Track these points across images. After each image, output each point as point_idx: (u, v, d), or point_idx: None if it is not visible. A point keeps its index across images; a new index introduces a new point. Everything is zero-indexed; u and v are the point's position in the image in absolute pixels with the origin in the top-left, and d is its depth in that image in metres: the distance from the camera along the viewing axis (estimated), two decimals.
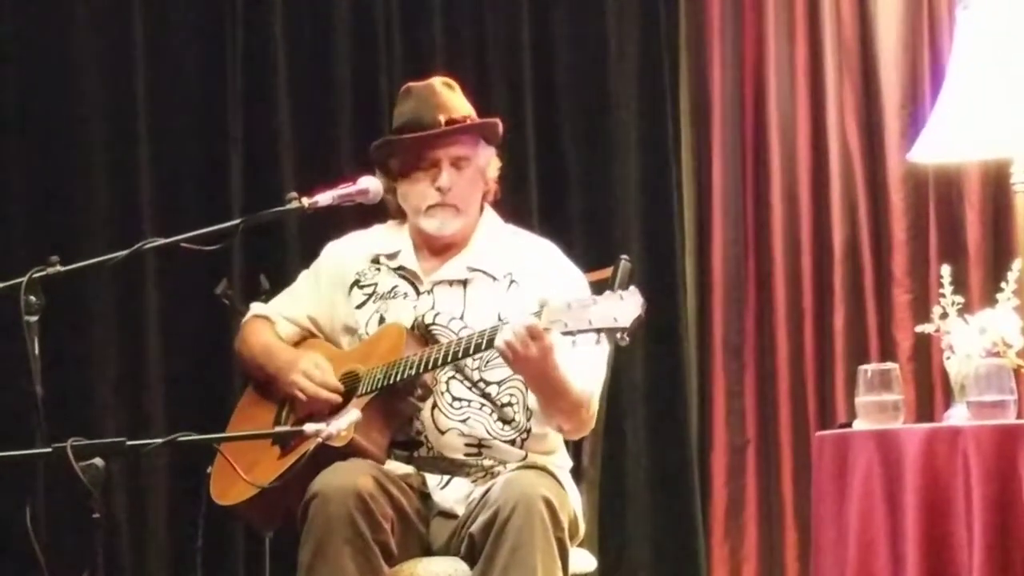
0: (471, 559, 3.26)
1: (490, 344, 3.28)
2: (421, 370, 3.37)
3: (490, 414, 3.46)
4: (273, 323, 3.68)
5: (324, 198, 3.30)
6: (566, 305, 3.16)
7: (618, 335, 3.12)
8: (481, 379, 3.47)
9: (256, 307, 3.75)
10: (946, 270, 3.96)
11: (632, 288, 3.14)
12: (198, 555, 3.81)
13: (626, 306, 3.10)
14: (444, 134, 3.50)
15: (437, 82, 3.59)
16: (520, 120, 4.74)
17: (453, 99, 3.56)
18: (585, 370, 3.40)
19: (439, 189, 3.51)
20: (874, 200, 4.89)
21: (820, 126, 4.91)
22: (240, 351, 3.71)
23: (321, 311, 3.67)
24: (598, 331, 3.12)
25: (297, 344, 3.66)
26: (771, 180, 4.92)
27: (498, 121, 3.61)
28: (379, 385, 3.39)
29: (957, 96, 4.16)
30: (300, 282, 3.74)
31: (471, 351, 3.33)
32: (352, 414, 3.09)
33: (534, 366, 3.27)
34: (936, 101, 4.32)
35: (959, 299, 3.91)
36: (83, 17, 4.51)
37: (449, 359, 3.34)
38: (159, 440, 2.80)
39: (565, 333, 3.15)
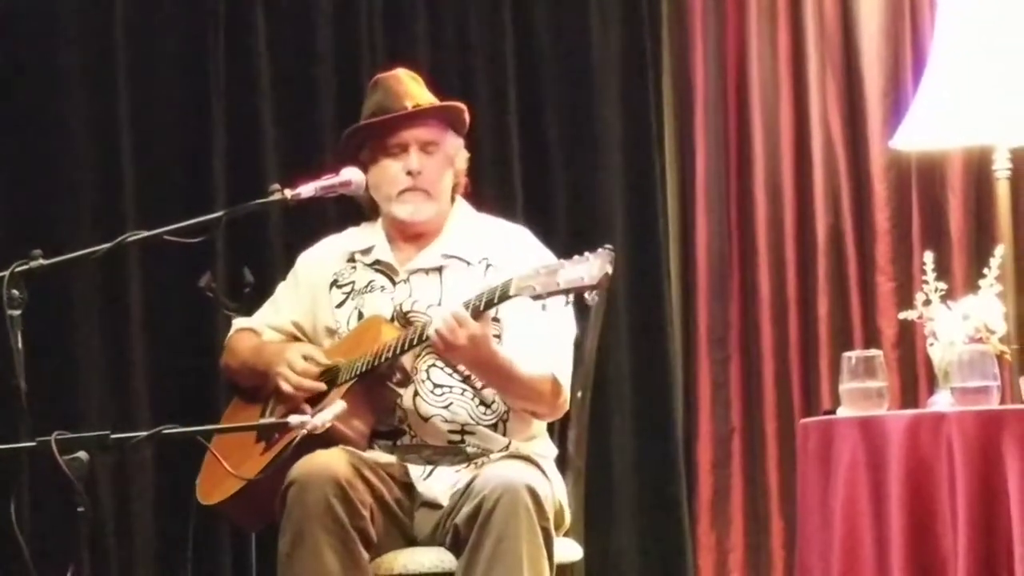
0: (456, 550, 3.26)
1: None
2: (398, 352, 3.37)
3: (472, 399, 3.47)
4: (259, 334, 3.70)
5: (307, 190, 3.31)
6: (535, 271, 3.18)
7: (587, 294, 3.14)
8: None
9: (240, 321, 3.75)
10: (929, 257, 3.97)
11: (601, 249, 3.15)
12: (189, 564, 3.81)
13: (592, 265, 3.12)
14: (410, 115, 3.54)
15: (402, 73, 3.63)
16: (503, 115, 4.74)
17: (419, 89, 3.60)
18: (542, 350, 3.41)
19: (409, 173, 3.53)
20: (857, 188, 4.89)
21: (803, 115, 4.91)
22: (228, 363, 3.72)
23: (303, 315, 3.68)
24: (567, 291, 3.14)
25: None
26: (754, 170, 4.92)
27: (463, 107, 3.63)
28: (357, 372, 3.41)
29: (939, 83, 4.17)
30: (279, 291, 3.76)
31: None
32: (337, 405, 3.10)
33: (464, 354, 3.31)
34: (918, 88, 4.33)
35: (942, 286, 3.93)
36: (66, 8, 4.49)
37: (425, 340, 3.34)
38: (143, 433, 2.80)
39: (535, 297, 3.16)
